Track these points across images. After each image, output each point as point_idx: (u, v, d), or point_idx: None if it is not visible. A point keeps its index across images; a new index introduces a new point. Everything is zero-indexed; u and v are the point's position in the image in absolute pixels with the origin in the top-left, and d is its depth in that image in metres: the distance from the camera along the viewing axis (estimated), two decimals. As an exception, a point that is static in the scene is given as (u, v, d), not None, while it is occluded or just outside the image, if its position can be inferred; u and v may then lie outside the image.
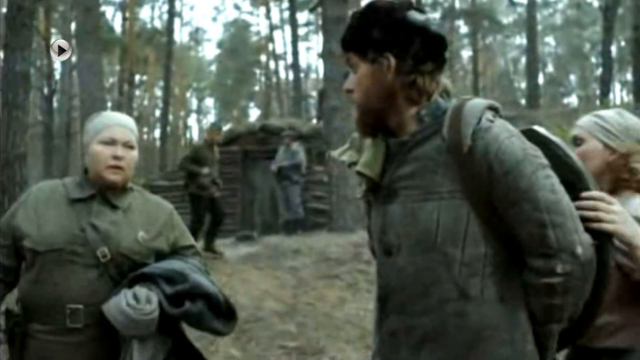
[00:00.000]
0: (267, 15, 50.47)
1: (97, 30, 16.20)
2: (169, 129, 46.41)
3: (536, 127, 2.23)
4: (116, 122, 3.10)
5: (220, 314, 3.01)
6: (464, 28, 49.35)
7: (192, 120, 70.08)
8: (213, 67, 65.56)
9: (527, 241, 2.01)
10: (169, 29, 39.66)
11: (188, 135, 66.51)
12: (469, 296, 2.04)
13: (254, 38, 56.47)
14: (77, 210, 2.99)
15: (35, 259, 2.90)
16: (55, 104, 37.98)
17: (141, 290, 2.84)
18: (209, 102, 68.20)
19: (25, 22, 11.64)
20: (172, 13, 39.72)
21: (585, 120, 2.77)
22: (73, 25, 35.91)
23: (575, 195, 2.09)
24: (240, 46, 54.99)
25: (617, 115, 2.74)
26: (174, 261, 3.06)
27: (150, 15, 53.62)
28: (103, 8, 44.33)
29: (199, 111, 68.63)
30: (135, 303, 2.77)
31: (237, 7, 56.44)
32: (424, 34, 2.13)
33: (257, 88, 60.03)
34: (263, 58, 55.74)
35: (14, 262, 3.02)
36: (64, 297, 2.85)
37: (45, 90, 36.81)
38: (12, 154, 11.23)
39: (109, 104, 49.88)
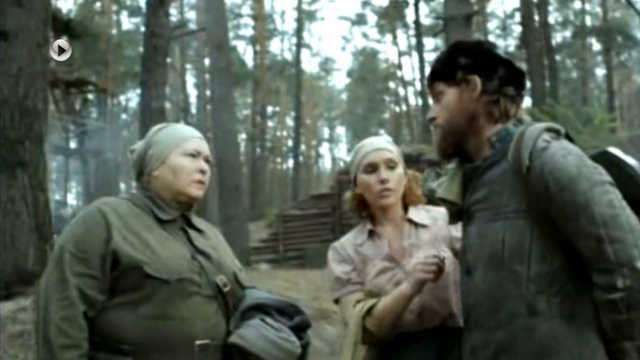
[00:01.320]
0: (395, 42, 50.69)
1: (228, 66, 16.79)
2: (301, 158, 47.08)
3: (610, 149, 2.32)
4: (197, 134, 2.79)
5: None
6: (596, 45, 48.05)
7: (324, 149, 70.95)
8: (344, 96, 66.30)
9: (588, 256, 2.06)
10: (297, 60, 40.52)
11: (320, 163, 67.43)
12: (537, 312, 2.12)
13: (383, 65, 56.76)
14: (173, 234, 2.61)
15: (159, 290, 2.43)
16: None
17: (273, 322, 2.56)
18: (341, 130, 68.98)
19: (159, 61, 12.29)
20: (299, 44, 40.60)
21: (388, 145, 2.99)
22: (206, 61, 37.40)
23: None
24: (369, 74, 55.41)
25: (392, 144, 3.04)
26: (257, 291, 2.76)
27: (280, 48, 54.81)
28: (234, 43, 45.91)
29: (331, 140, 69.48)
30: (287, 335, 2.53)
31: (365, 35, 56.95)
32: (508, 66, 2.35)
33: (387, 115, 60.22)
34: (392, 85, 55.96)
35: (101, 296, 2.44)
36: (192, 333, 2.46)
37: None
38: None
39: (244, 136, 51.43)
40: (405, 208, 2.96)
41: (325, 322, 11.20)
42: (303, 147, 57.37)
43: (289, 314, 2.64)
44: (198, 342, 2.47)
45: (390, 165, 2.90)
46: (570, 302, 2.11)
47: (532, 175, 2.12)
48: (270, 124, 55.34)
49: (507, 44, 47.71)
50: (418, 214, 2.95)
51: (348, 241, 2.98)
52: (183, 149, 2.69)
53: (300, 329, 2.62)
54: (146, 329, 2.42)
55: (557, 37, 43.98)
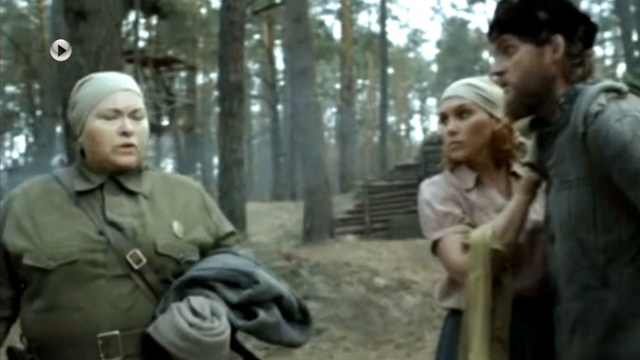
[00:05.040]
0: (484, 11, 49.81)
1: (307, 39, 16.83)
2: (389, 130, 46.94)
3: None
4: (117, 86, 2.28)
5: (293, 319, 2.32)
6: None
7: (415, 121, 70.56)
8: (434, 67, 65.66)
9: None
10: (383, 32, 40.23)
11: (412, 136, 67.10)
12: (609, 284, 1.98)
13: (473, 35, 55.91)
14: (86, 207, 2.22)
15: (45, 280, 2.13)
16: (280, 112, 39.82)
17: (199, 301, 2.11)
18: (431, 102, 68.40)
19: (236, 36, 12.47)
20: (384, 16, 40.23)
21: (463, 90, 2.60)
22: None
23: None
24: (459, 44, 54.69)
25: (488, 83, 2.59)
26: (223, 256, 2.32)
27: (367, 21, 54.58)
28: (322, 17, 45.95)
29: (422, 112, 68.95)
30: (199, 321, 2.05)
31: (453, 5, 56.25)
32: (586, 21, 2.15)
33: (478, 85, 59.38)
34: (482, 55, 55.08)
35: (9, 291, 2.23)
36: (93, 324, 2.10)
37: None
38: (230, 159, 12.08)
39: (334, 109, 51.61)
40: (496, 162, 2.62)
41: (405, 292, 11.26)
42: (393, 119, 57.13)
43: (242, 285, 2.21)
44: (101, 335, 2.11)
45: (461, 113, 2.57)
46: None
47: (588, 142, 1.96)
48: (360, 97, 55.32)
49: (602, 9, 46.36)
50: (520, 168, 2.59)
51: (449, 183, 2.61)
52: (98, 110, 2.25)
53: (253, 304, 2.20)
54: (41, 323, 2.16)
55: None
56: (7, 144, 58.24)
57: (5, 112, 49.84)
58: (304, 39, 16.51)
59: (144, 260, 2.17)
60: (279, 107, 39.86)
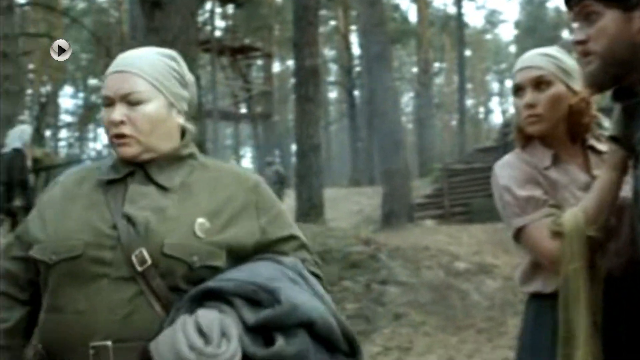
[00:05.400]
0: (564, -11, 48.86)
1: (382, 23, 16.73)
2: (467, 113, 46.48)
3: None
4: (113, 68, 1.99)
5: (333, 349, 1.88)
6: None
7: (493, 104, 69.63)
8: (512, 48, 64.69)
9: None
10: (459, 13, 39.76)
11: (490, 119, 66.29)
12: None
13: (552, 14, 54.82)
14: (111, 198, 1.96)
15: (47, 275, 1.91)
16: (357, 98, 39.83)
17: (209, 318, 1.76)
18: (510, 83, 67.46)
19: (311, 20, 12.50)
20: (460, -2, 39.74)
21: (540, 60, 2.45)
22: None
23: None
24: (537, 24, 53.71)
25: (566, 55, 2.43)
26: (260, 265, 1.95)
27: (443, 2, 54.09)
28: (397, 0, 45.66)
29: (501, 94, 68.02)
30: (201, 344, 1.70)
31: (532, -16, 55.14)
32: None
33: (559, 65, 58.46)
34: (562, 34, 54.02)
35: (30, 274, 2.00)
36: (90, 331, 1.82)
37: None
38: (307, 145, 12.13)
39: (411, 94, 51.38)
40: (572, 136, 2.48)
41: (485, 276, 11.12)
42: (471, 102, 56.51)
43: (263, 303, 1.81)
44: (93, 343, 1.81)
45: (539, 85, 2.43)
46: None
47: None
48: (437, 80, 54.94)
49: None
50: (598, 142, 2.47)
51: (523, 161, 2.46)
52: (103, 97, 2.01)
53: (275, 328, 1.78)
54: (45, 325, 1.92)
55: None
56: (90, 135, 59.87)
57: (88, 104, 51.19)
58: (379, 23, 16.44)
59: (149, 261, 1.85)
60: (356, 92, 39.85)
